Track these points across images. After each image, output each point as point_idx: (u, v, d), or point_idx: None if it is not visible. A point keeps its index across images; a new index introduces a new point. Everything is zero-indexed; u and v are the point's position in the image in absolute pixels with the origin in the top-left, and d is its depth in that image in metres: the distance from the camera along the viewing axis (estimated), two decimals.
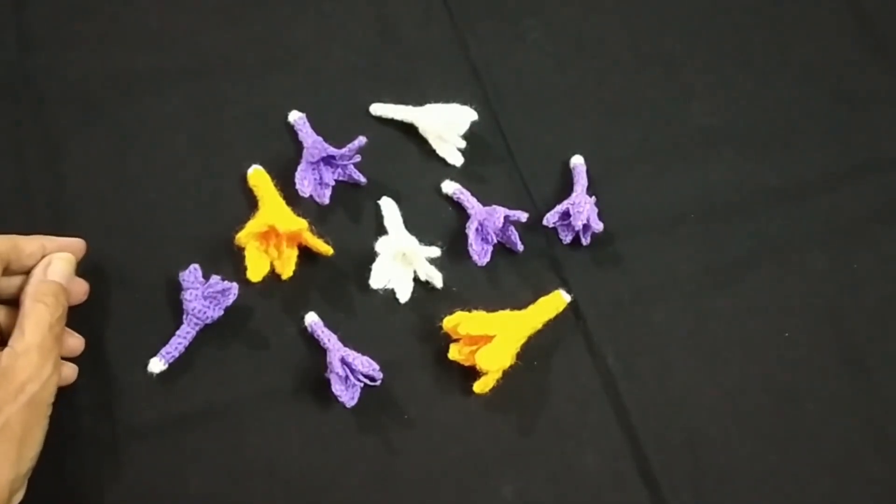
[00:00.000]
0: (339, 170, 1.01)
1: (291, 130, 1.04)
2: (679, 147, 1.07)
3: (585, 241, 1.00)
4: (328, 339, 0.92)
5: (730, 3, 1.16)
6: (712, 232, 1.02)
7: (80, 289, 0.91)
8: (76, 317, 0.94)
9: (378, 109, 1.06)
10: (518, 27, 1.13)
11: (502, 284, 0.98)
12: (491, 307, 0.94)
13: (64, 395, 0.90)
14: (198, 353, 0.93)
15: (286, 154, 1.03)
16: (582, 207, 0.98)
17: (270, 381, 0.93)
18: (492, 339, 0.91)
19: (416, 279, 0.98)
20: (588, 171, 1.03)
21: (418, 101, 1.05)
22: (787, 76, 1.11)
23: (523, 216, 0.97)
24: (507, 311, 0.94)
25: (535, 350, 0.94)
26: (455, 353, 0.93)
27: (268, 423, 0.91)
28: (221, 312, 0.93)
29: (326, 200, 1.01)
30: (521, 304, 0.95)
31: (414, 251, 0.96)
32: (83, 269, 0.96)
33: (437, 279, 0.97)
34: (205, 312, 0.92)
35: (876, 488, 0.91)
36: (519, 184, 1.04)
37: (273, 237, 0.96)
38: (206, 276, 0.93)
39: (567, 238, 1.00)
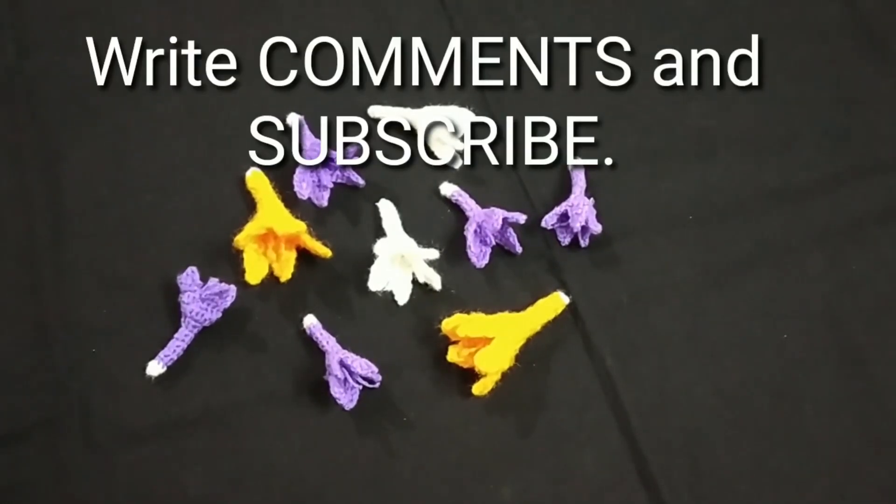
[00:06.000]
0: (338, 172, 1.01)
1: (290, 132, 1.04)
2: (677, 149, 1.07)
3: (584, 242, 1.00)
4: (327, 341, 0.92)
5: (728, 4, 1.16)
6: (711, 233, 1.02)
7: None
8: (75, 320, 0.94)
9: (377, 111, 1.06)
10: (516, 29, 1.13)
11: (501, 286, 0.98)
12: (489, 309, 0.94)
13: (63, 398, 0.91)
14: (196, 355, 0.93)
15: (285, 156, 1.03)
16: (580, 209, 0.98)
17: (269, 384, 0.93)
18: (490, 341, 0.91)
19: (414, 281, 0.98)
20: (586, 173, 1.03)
21: (416, 103, 1.05)
22: (786, 77, 1.11)
23: (522, 218, 0.97)
24: (506, 313, 0.94)
25: (533, 352, 0.94)
26: (454, 355, 0.93)
27: (266, 425, 0.91)
28: (219, 315, 0.93)
29: (325, 203, 1.01)
30: (519, 306, 0.95)
31: (412, 253, 0.96)
32: (82, 272, 0.96)
33: (435, 281, 0.97)
34: (203, 315, 0.92)
35: (874, 489, 0.91)
36: (517, 185, 1.03)
37: (271, 239, 0.96)
38: (204, 279, 0.93)
39: (565, 240, 1.00)
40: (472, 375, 0.92)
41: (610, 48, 1.12)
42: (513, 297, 0.97)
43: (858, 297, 0.99)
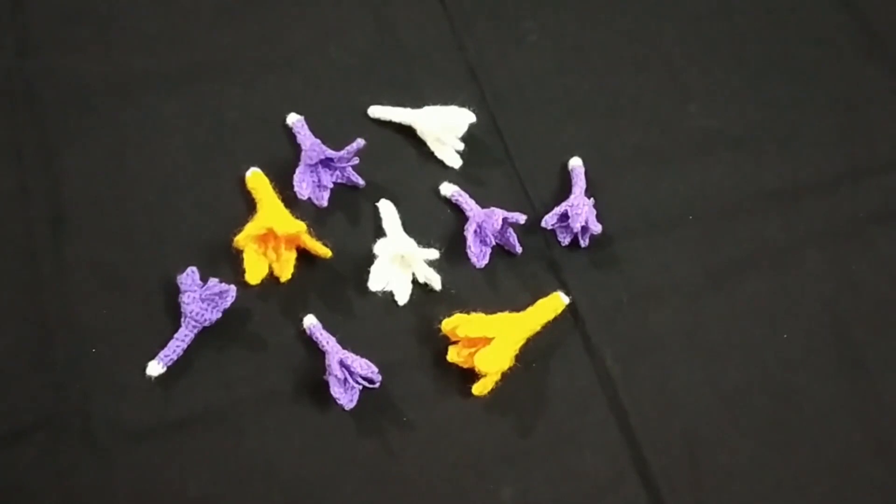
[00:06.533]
0: (338, 172, 1.01)
1: (290, 133, 1.05)
2: (677, 149, 1.07)
3: (584, 242, 1.00)
4: (327, 341, 0.92)
5: (727, 6, 1.16)
6: (710, 233, 1.02)
7: None
8: (75, 319, 0.94)
9: (376, 112, 1.06)
10: (516, 29, 1.13)
11: (501, 286, 0.98)
12: (489, 309, 0.94)
13: (63, 398, 0.91)
14: (196, 355, 0.93)
15: (284, 156, 1.03)
16: (580, 209, 0.98)
17: (269, 384, 0.92)
18: (490, 342, 0.91)
19: (414, 281, 0.98)
20: (586, 173, 1.03)
21: (416, 103, 1.05)
22: (785, 78, 1.11)
23: (522, 218, 0.97)
24: (506, 313, 0.94)
25: (533, 352, 0.94)
26: (454, 355, 0.93)
27: (266, 425, 0.91)
28: (219, 315, 0.93)
29: (325, 203, 1.01)
30: (519, 306, 0.95)
31: (412, 253, 0.96)
32: (82, 272, 0.96)
33: (435, 281, 0.97)
34: (203, 315, 0.92)
35: (874, 489, 0.91)
36: (517, 186, 1.04)
37: (271, 239, 0.96)
38: (204, 279, 0.93)
39: (565, 240, 1.00)
40: (472, 375, 0.92)
41: (610, 47, 1.12)
42: (513, 297, 0.97)
43: (858, 297, 0.99)
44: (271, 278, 0.97)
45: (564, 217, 0.99)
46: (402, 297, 0.97)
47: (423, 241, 0.98)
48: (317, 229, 0.98)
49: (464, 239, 0.98)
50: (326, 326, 0.94)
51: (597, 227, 0.99)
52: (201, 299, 0.92)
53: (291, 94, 1.07)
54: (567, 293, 0.97)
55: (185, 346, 0.92)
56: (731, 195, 1.04)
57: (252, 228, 0.95)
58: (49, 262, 0.97)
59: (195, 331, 0.93)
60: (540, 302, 0.96)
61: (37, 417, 0.90)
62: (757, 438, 0.92)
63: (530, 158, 1.05)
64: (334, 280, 0.97)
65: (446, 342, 0.94)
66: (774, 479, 0.91)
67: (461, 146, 1.04)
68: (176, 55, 1.09)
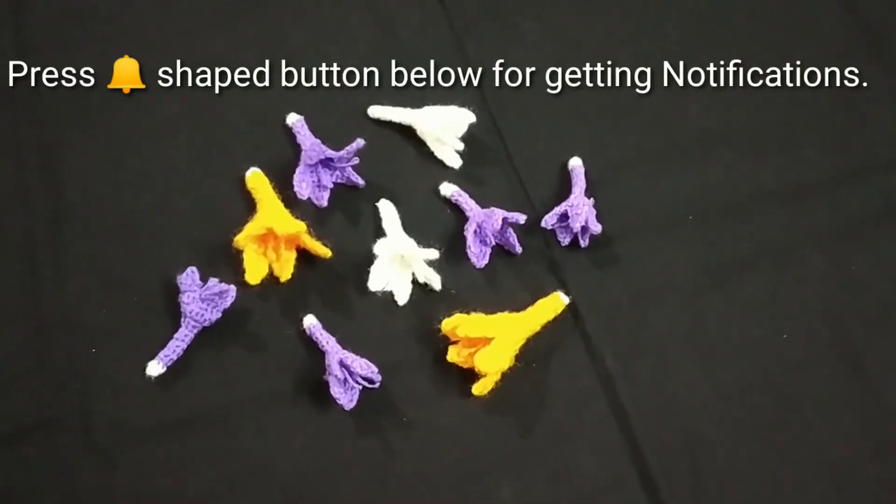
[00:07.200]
0: (338, 172, 1.01)
1: (290, 133, 1.05)
2: (677, 149, 1.07)
3: (584, 242, 1.00)
4: (327, 341, 0.92)
5: (727, 6, 1.16)
6: (710, 233, 1.02)
7: None
8: (75, 320, 0.94)
9: (376, 112, 1.06)
10: (516, 29, 1.13)
11: (501, 286, 0.98)
12: (489, 309, 0.94)
13: (63, 398, 0.91)
14: (196, 355, 0.93)
15: (284, 156, 1.03)
16: (580, 209, 0.98)
17: (269, 384, 0.93)
18: (490, 342, 0.91)
19: (414, 281, 0.98)
20: (586, 173, 1.03)
21: (416, 103, 1.05)
22: (785, 78, 1.11)
23: (521, 218, 0.97)
24: (506, 313, 0.94)
25: (533, 352, 0.94)
26: (454, 355, 0.93)
27: (266, 425, 0.91)
28: (219, 315, 0.93)
29: (325, 203, 1.01)
30: (519, 306, 0.95)
31: (412, 253, 0.96)
32: (82, 272, 0.96)
33: (435, 281, 0.97)
34: (202, 315, 0.92)
35: (874, 490, 0.91)
36: (517, 186, 1.04)
37: (271, 240, 0.96)
38: (204, 279, 0.93)
39: (565, 240, 1.00)
40: (472, 375, 0.92)
41: (610, 47, 1.12)
42: (513, 297, 0.97)
43: (858, 297, 0.99)
44: (271, 278, 0.97)
45: (564, 217, 0.99)
46: (402, 297, 0.97)
47: (423, 241, 0.98)
48: (317, 229, 0.98)
49: (464, 239, 0.98)
50: (326, 326, 0.94)
51: (597, 227, 0.99)
52: (201, 299, 0.92)
53: (291, 94, 1.07)
54: (567, 293, 0.97)
55: (185, 346, 0.92)
56: (731, 195, 1.04)
57: (252, 228, 0.95)
58: (49, 262, 0.97)
59: (195, 331, 0.93)
60: (540, 302, 0.96)
61: (37, 417, 0.90)
62: (756, 438, 0.92)
63: (530, 158, 1.05)
64: (334, 280, 0.98)
65: (446, 342, 0.94)
66: (774, 479, 0.91)
67: (461, 146, 1.04)
68: (176, 55, 1.09)
